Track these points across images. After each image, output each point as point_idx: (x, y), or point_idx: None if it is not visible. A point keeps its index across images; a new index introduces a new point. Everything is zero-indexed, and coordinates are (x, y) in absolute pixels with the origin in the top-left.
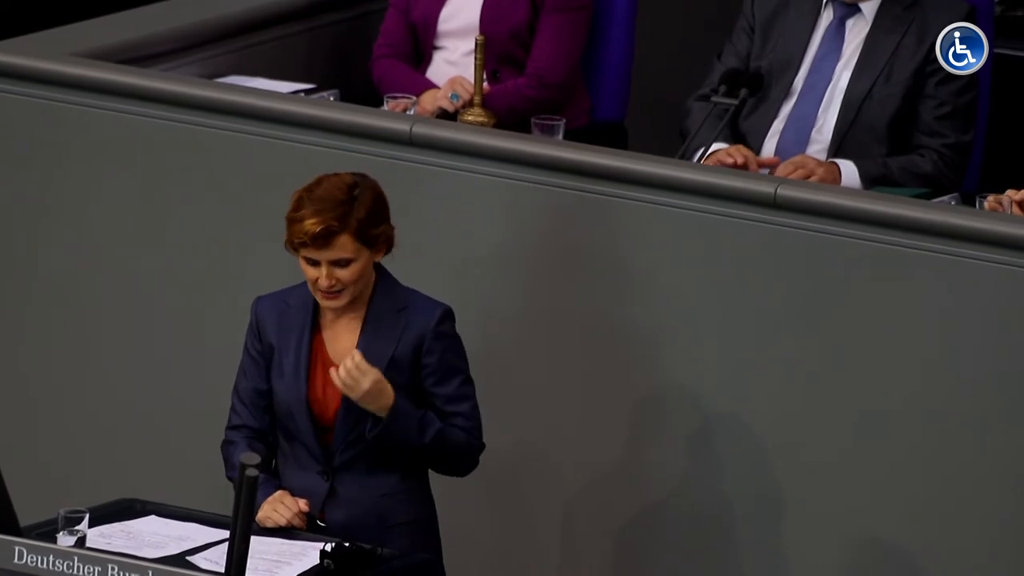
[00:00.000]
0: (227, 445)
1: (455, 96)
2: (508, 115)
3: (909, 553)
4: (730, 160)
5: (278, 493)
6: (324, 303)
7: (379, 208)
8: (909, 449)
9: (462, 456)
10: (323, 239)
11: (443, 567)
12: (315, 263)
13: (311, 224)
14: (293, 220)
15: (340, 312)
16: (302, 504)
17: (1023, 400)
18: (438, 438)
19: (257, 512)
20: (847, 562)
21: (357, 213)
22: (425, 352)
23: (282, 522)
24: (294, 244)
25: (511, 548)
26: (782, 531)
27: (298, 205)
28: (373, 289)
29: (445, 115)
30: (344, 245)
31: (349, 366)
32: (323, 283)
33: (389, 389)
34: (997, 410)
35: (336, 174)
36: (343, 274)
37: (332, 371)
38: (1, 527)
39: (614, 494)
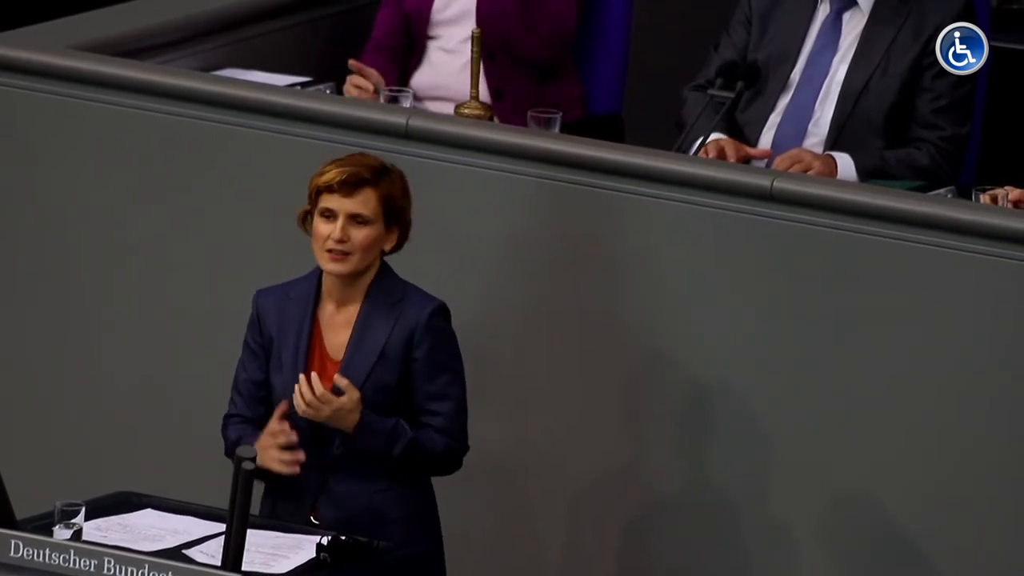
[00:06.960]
0: (225, 428)
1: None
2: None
3: (912, 543)
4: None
5: (264, 437)
6: (329, 266)
7: (405, 191)
8: (907, 441)
9: (439, 463)
10: (351, 185)
11: (443, 560)
12: (331, 217)
13: (341, 171)
14: (320, 173)
15: (339, 305)
16: (292, 436)
17: (1021, 391)
18: (409, 449)
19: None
20: (853, 555)
21: (387, 180)
22: (415, 346)
23: (282, 468)
24: (317, 192)
25: (514, 544)
26: (785, 525)
27: (327, 165)
28: (372, 282)
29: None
30: (367, 200)
31: (309, 399)
32: (335, 234)
33: (354, 412)
34: (994, 401)
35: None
36: (356, 234)
37: (296, 400)
38: None
39: (616, 489)
